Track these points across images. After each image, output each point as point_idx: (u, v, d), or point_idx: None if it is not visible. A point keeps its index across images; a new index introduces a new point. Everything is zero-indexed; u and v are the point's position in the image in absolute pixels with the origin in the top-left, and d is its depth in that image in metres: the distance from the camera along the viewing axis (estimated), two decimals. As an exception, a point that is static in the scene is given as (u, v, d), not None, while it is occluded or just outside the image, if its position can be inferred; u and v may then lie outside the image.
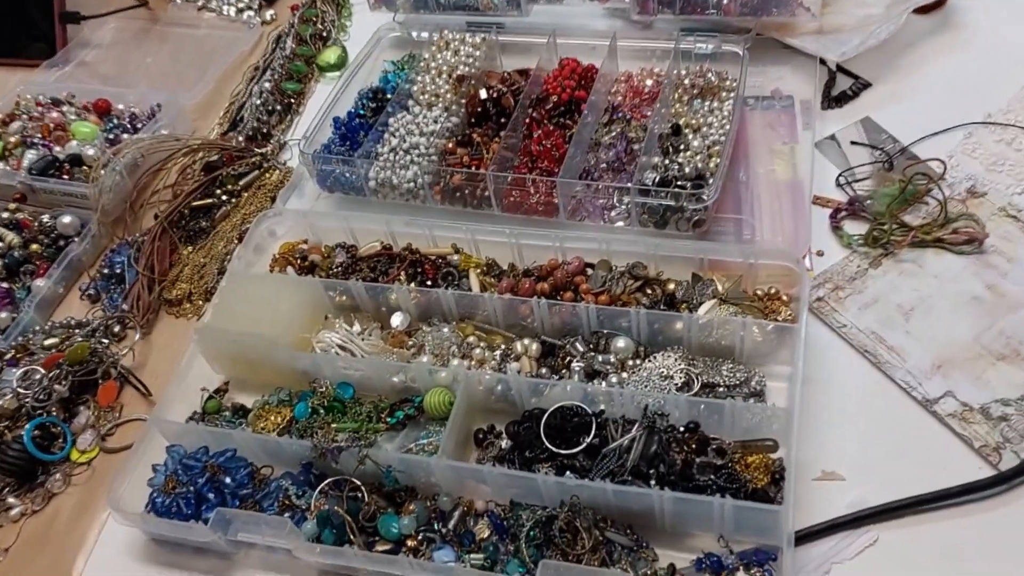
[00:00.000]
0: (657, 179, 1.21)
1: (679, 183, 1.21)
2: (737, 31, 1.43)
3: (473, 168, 1.31)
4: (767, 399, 1.08)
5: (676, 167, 1.23)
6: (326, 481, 1.05)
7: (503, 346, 1.17)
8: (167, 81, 1.69)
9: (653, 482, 0.96)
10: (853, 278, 1.19)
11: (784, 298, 1.15)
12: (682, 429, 1.02)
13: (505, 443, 1.08)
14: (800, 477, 1.00)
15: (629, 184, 1.22)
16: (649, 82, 1.41)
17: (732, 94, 1.37)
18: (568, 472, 1.00)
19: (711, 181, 1.21)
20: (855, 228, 1.24)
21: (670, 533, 0.99)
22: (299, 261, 1.30)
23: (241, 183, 1.45)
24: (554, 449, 1.01)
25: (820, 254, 1.22)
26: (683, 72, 1.40)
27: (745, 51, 1.38)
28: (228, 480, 1.07)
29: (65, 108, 1.58)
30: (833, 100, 1.41)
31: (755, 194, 1.28)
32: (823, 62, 1.41)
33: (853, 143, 1.35)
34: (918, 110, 1.36)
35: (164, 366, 1.27)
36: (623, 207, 1.24)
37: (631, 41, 1.46)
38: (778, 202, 1.28)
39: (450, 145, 1.35)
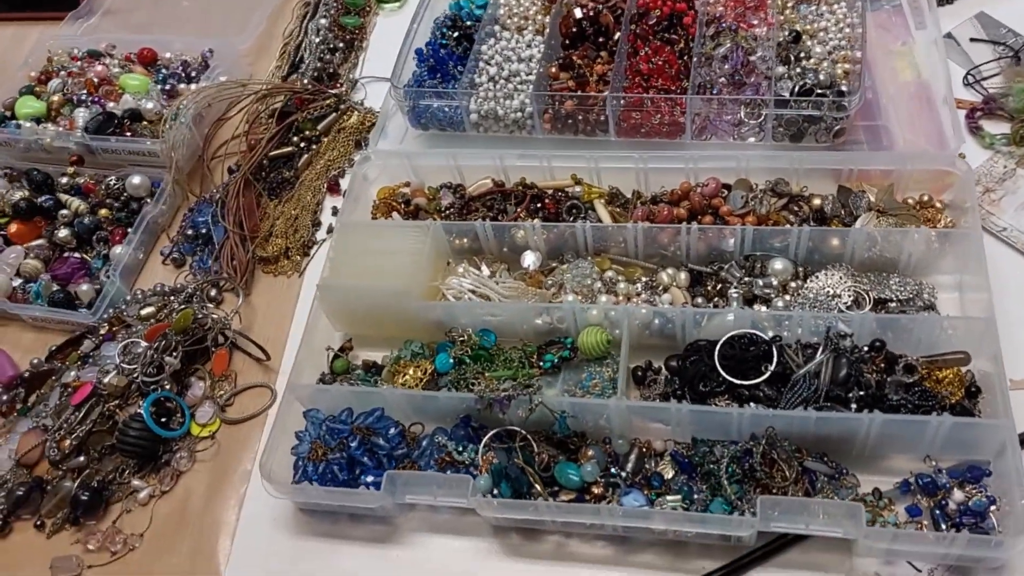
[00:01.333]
0: (796, 89, 1.13)
1: (818, 92, 1.13)
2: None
3: (581, 92, 1.22)
4: (939, 311, 1.02)
5: (810, 75, 1.16)
6: (490, 433, 0.98)
7: (643, 278, 1.10)
8: (209, 26, 1.56)
9: (854, 406, 0.91)
10: (1003, 179, 1.14)
11: (937, 204, 1.09)
12: (866, 349, 0.96)
13: (665, 378, 1.02)
14: (988, 388, 0.95)
15: (765, 96, 1.14)
16: (749, -11, 1.33)
17: (840, -4, 1.29)
18: (752, 403, 0.94)
19: (849, 87, 1.14)
20: (995, 127, 1.18)
21: (866, 457, 0.94)
22: (403, 206, 1.21)
23: (319, 128, 1.35)
24: (735, 381, 0.95)
25: (962, 157, 1.16)
26: (782, -25, 1.32)
27: (854, -51, 1.30)
28: (381, 441, 1.00)
29: (107, 61, 1.45)
30: (944, -3, 1.34)
31: (885, 98, 1.22)
32: (931, -43, 1.34)
33: (973, 40, 1.28)
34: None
35: (270, 329, 1.18)
36: (756, 122, 1.16)
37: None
38: (911, 105, 1.21)
39: (552, 70, 1.25)
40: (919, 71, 1.25)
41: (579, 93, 1.20)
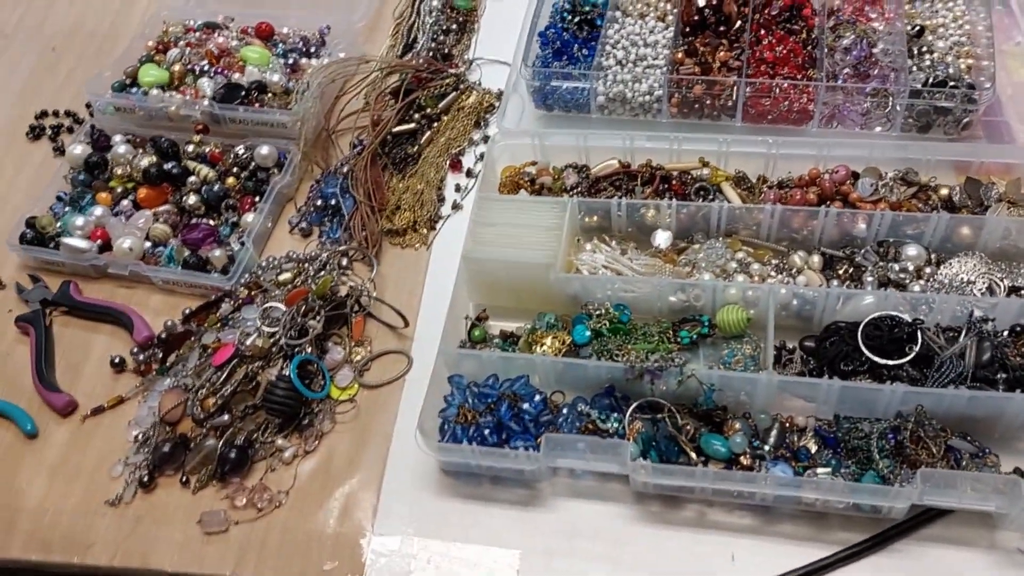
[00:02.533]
0: (929, 81, 1.16)
1: (951, 84, 1.16)
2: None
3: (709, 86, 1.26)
4: (1069, 300, 1.06)
5: (940, 68, 1.19)
6: (635, 404, 1.01)
7: (774, 260, 1.13)
8: (319, 2, 1.59)
9: (1002, 387, 0.94)
10: (1123, 176, 1.17)
11: (1063, 199, 1.13)
12: (1007, 333, 1.00)
13: (801, 358, 1.06)
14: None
15: (898, 87, 1.17)
16: (865, -16, 1.36)
17: (955, -7, 1.32)
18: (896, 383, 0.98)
19: (975, 82, 1.17)
20: (1116, 127, 1.22)
21: (1006, 438, 0.97)
22: (529, 184, 1.24)
23: (440, 106, 1.38)
24: (882, 361, 0.98)
25: (1084, 153, 1.19)
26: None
27: (974, -52, 1.33)
28: (528, 407, 1.03)
29: (225, 33, 1.48)
30: (1058, -3, 1.36)
31: (1002, 97, 1.25)
32: (1044, -43, 1.37)
33: (1088, 38, 1.32)
34: None
35: (401, 298, 1.21)
36: (884, 112, 1.19)
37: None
38: (1027, 103, 1.24)
39: (679, 55, 1.28)
40: (1035, 70, 1.28)
41: (709, 78, 1.23)
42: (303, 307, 1.15)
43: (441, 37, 1.49)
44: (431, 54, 1.46)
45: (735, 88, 1.21)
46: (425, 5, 1.53)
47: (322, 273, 1.19)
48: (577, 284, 1.11)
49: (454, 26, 1.50)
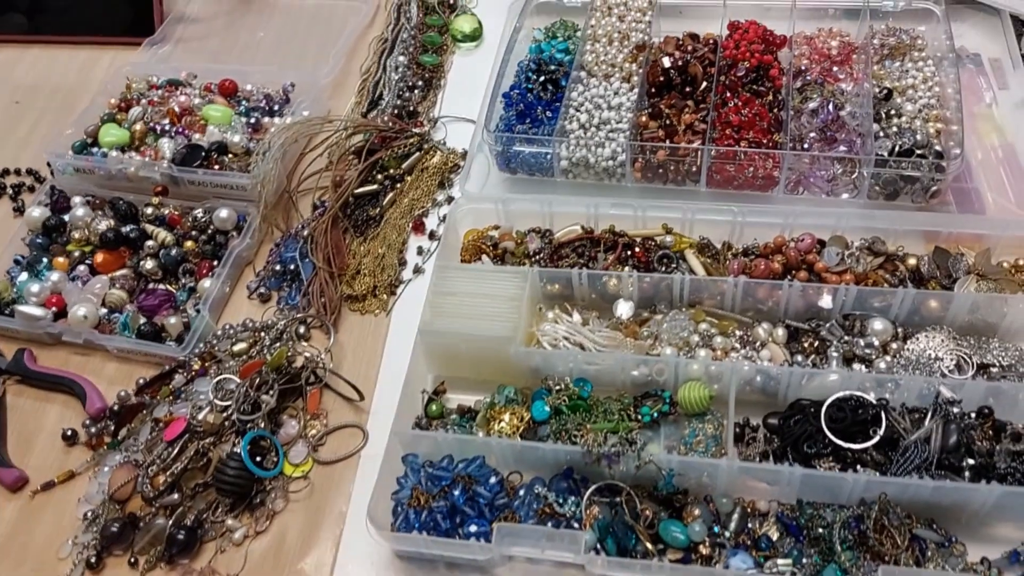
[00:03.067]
0: (896, 149, 1.14)
1: (918, 153, 1.14)
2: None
3: (670, 142, 1.24)
4: (1039, 377, 1.03)
5: (906, 135, 1.17)
6: (593, 487, 0.98)
7: (738, 332, 1.11)
8: (283, 59, 1.58)
9: (967, 474, 0.92)
10: (1094, 245, 1.15)
11: (1033, 269, 1.11)
12: (974, 415, 0.97)
13: (764, 436, 1.03)
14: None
15: (863, 156, 1.15)
16: (834, 43, 1.34)
17: (924, 53, 1.31)
18: (859, 467, 0.95)
19: (945, 148, 1.15)
20: (1086, 191, 1.20)
21: (973, 525, 0.94)
22: (491, 249, 1.22)
23: (404, 166, 1.35)
24: (844, 444, 0.95)
25: (1054, 220, 1.17)
26: (870, 28, 1.33)
27: (941, 9, 1.31)
28: (483, 490, 1.00)
29: (188, 91, 1.46)
30: (1027, 57, 1.35)
31: (972, 162, 1.23)
32: (1014, 16, 1.35)
33: (1058, 100, 1.30)
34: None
35: (359, 367, 1.18)
36: (851, 178, 1.17)
37: (806, 2, 1.39)
38: (999, 168, 1.22)
39: (643, 118, 1.26)
40: (1004, 134, 1.26)
41: (672, 144, 1.21)
42: (257, 380, 1.12)
43: (407, 94, 1.47)
44: (396, 112, 1.44)
45: (699, 154, 1.19)
46: (391, 61, 1.51)
47: (277, 344, 1.17)
48: (539, 358, 1.08)
49: (420, 83, 1.48)
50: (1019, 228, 1.10)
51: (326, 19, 1.62)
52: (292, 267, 1.27)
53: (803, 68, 1.32)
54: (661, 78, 1.31)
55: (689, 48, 1.35)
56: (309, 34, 1.61)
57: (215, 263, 1.27)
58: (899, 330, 1.07)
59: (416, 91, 1.48)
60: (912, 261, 1.11)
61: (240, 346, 1.18)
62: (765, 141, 1.21)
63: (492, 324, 1.08)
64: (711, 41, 1.35)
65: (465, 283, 1.13)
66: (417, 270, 1.27)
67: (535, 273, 1.13)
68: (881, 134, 1.19)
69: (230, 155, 1.35)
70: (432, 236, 1.30)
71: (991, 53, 1.36)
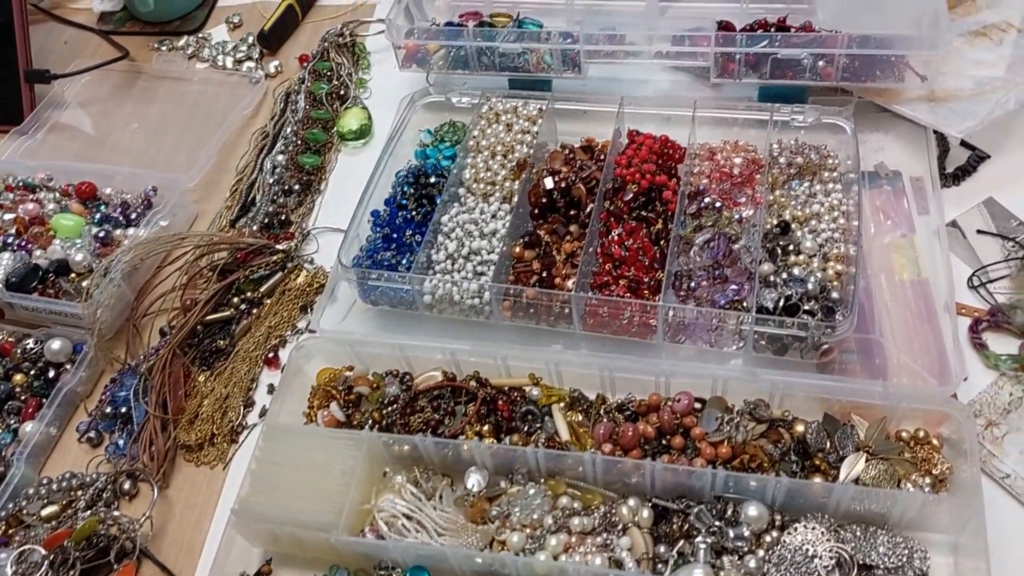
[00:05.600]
0: (781, 303, 1.02)
1: (806, 309, 1.02)
2: (826, 91, 1.26)
3: (547, 276, 1.11)
4: (931, 579, 0.90)
5: (796, 285, 1.04)
6: None
7: (603, 508, 0.98)
8: (159, 150, 1.46)
9: None
10: (1007, 410, 1.02)
11: (935, 441, 0.98)
12: (849, 633, 0.84)
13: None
14: None
15: (745, 314, 1.02)
16: (737, 160, 1.21)
17: (835, 174, 1.18)
18: None
19: (840, 303, 1.02)
20: (1001, 344, 1.07)
21: None
22: (343, 394, 1.10)
23: (262, 289, 1.23)
24: (697, 670, 0.83)
25: (964, 379, 1.04)
26: (775, 145, 1.21)
27: (852, 127, 1.19)
28: None
29: (42, 195, 1.34)
30: (950, 177, 1.22)
31: (879, 303, 1.10)
32: (937, 132, 1.23)
33: (980, 232, 1.17)
34: (1049, 189, 1.19)
35: (187, 531, 1.06)
36: (735, 330, 1.04)
37: (709, 111, 1.26)
38: (908, 313, 1.09)
39: (517, 249, 1.14)
40: (919, 269, 1.13)
41: (540, 290, 1.08)
42: (60, 556, 0.99)
43: (282, 199, 1.35)
44: (267, 220, 1.32)
45: (571, 301, 1.06)
46: (270, 160, 1.39)
47: (88, 513, 1.04)
48: (366, 547, 0.95)
49: (297, 186, 1.36)
50: (920, 400, 0.97)
51: (208, 107, 1.50)
52: (124, 410, 1.14)
53: (701, 188, 1.20)
54: (544, 200, 1.19)
55: (578, 164, 1.22)
56: (188, 125, 1.48)
57: (44, 401, 1.15)
58: (776, 518, 0.94)
59: (292, 196, 1.35)
60: (800, 428, 0.99)
61: (51, 509, 1.05)
62: (647, 280, 1.09)
63: (316, 504, 0.95)
64: (602, 157, 1.23)
65: (294, 448, 1.01)
66: (264, 413, 1.14)
67: (373, 438, 1.00)
68: (772, 275, 1.07)
69: (72, 275, 1.23)
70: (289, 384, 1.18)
71: (913, 171, 1.23)
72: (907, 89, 1.23)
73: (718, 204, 1.17)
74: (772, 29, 1.27)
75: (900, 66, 1.20)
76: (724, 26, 1.29)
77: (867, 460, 0.95)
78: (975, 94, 1.22)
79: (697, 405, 1.02)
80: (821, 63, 1.21)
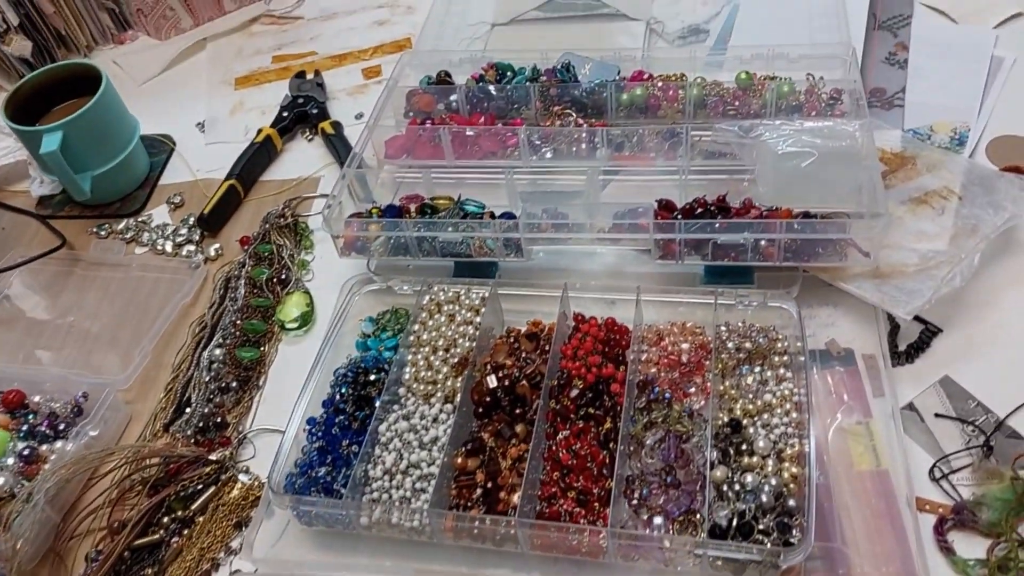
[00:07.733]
0: (734, 522, 0.97)
1: (760, 529, 0.97)
2: (770, 269, 1.23)
3: (491, 488, 1.06)
4: None
5: (748, 498, 0.99)
6: None
7: None
8: (95, 346, 1.41)
9: None
10: (982, 626, 0.96)
11: (908, 668, 0.92)
12: None
13: None
14: None
15: (697, 538, 0.97)
16: (685, 345, 1.18)
17: (785, 357, 1.15)
18: None
19: (799, 510, 0.97)
20: (969, 546, 1.01)
21: None
22: (278, 630, 1.02)
23: (193, 507, 1.16)
24: None
25: (935, 595, 0.99)
26: (724, 328, 1.18)
27: (797, 311, 1.16)
28: None
29: (-33, 406, 1.29)
30: (903, 355, 1.19)
31: (838, 500, 1.05)
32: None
33: (938, 416, 1.13)
34: (1003, 364, 1.16)
35: None
36: (689, 551, 0.99)
37: (654, 296, 1.24)
38: (868, 510, 1.04)
39: (459, 460, 1.09)
40: (878, 459, 1.09)
41: (485, 515, 1.03)
42: None
43: (219, 397, 1.30)
44: (201, 423, 1.26)
45: (516, 528, 1.01)
46: (207, 354, 1.34)
47: None
48: None
49: (235, 383, 1.31)
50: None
51: (146, 296, 1.46)
52: (41, 657, 1.06)
53: (649, 377, 1.16)
54: (488, 399, 1.14)
55: (523, 355, 1.18)
56: (125, 317, 1.44)
57: (-46, 649, 1.07)
58: None
59: (230, 393, 1.30)
60: (764, 656, 0.93)
61: None
62: (596, 490, 1.03)
63: None
64: (547, 347, 1.19)
65: None
66: (195, 652, 1.07)
67: None
68: (725, 484, 1.02)
69: (-6, 500, 1.17)
70: (221, 610, 1.10)
71: (865, 347, 1.20)
72: (851, 266, 1.22)
73: (667, 395, 1.13)
74: (712, 207, 1.26)
75: (842, 244, 1.19)
76: (665, 205, 1.28)
77: None
78: (920, 270, 1.20)
79: (654, 632, 0.96)
80: (764, 243, 1.20)
